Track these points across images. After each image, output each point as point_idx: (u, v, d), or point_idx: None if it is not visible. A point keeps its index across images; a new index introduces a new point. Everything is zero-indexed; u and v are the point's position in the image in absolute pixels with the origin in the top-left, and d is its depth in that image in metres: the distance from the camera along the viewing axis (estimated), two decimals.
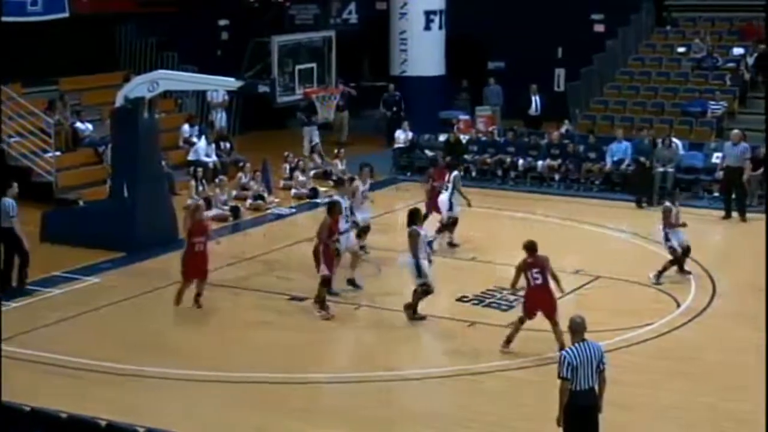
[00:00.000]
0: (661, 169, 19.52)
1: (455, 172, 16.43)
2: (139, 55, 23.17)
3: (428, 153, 21.95)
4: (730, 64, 23.48)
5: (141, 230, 15.98)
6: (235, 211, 18.56)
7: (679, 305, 13.61)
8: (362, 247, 14.97)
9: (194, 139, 21.47)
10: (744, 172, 18.20)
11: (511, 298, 13.73)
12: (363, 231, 15.09)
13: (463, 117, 23.62)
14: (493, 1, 26.31)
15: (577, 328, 8.70)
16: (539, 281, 11.55)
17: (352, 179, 15.67)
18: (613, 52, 24.75)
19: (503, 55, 27.06)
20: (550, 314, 11.51)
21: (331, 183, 20.36)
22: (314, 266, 13.36)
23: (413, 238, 12.67)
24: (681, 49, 24.35)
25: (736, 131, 19.30)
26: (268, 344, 12.56)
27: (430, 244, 14.74)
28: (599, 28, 26.12)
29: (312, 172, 21.02)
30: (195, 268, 13.20)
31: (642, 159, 19.57)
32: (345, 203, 14.21)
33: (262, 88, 16.12)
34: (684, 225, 14.50)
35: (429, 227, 13.67)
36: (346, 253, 14.21)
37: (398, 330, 13.07)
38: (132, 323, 13.12)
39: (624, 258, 15.95)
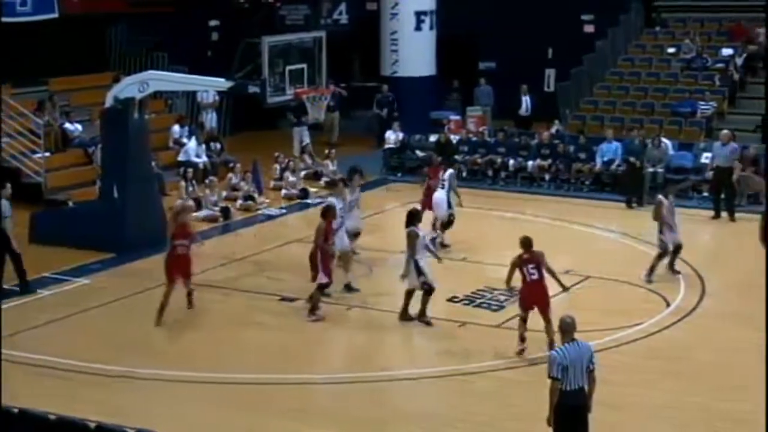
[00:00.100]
0: (651, 170, 19.57)
1: (450, 170, 16.48)
2: (129, 56, 23.13)
3: (419, 153, 21.98)
4: (720, 65, 23.56)
5: (131, 231, 15.94)
6: (226, 212, 18.54)
7: (668, 305, 13.65)
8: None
9: (184, 140, 21.44)
10: (733, 172, 18.27)
11: (502, 298, 13.79)
12: (353, 236, 15.08)
13: (454, 117, 23.65)
14: (483, 1, 26.35)
15: (567, 328, 8.72)
16: (535, 276, 11.58)
17: (343, 180, 15.65)
18: (602, 52, 24.81)
19: (494, 56, 27.10)
20: (544, 310, 11.54)
21: (324, 184, 20.45)
22: (308, 269, 13.33)
23: (412, 238, 12.67)
24: (670, 50, 24.42)
25: (725, 131, 19.36)
26: (259, 345, 12.55)
27: (433, 241, 14.95)
28: (589, 28, 26.17)
29: (302, 173, 21.01)
30: (178, 270, 13.00)
31: (632, 159, 19.63)
32: (339, 204, 14.21)
33: (253, 89, 16.10)
34: (660, 221, 14.52)
35: (422, 226, 13.62)
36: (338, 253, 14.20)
37: (389, 330, 13.07)
38: (122, 324, 13.09)
39: (614, 258, 15.99)
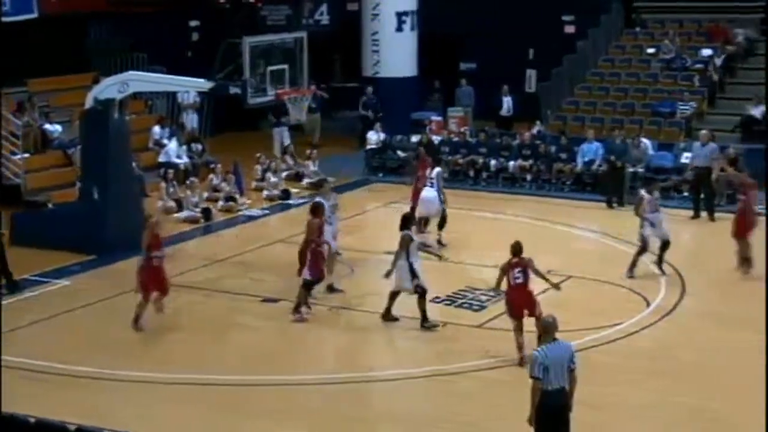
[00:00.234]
0: (631, 170, 19.67)
1: (437, 169, 16.54)
2: (109, 57, 23.00)
3: (401, 154, 22.02)
4: (699, 65, 23.70)
5: (111, 232, 15.87)
6: (207, 213, 18.49)
7: (649, 304, 13.72)
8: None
9: (165, 141, 21.35)
10: (712, 172, 18.38)
11: (483, 298, 13.83)
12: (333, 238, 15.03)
13: (436, 118, 23.68)
14: (464, 2, 26.40)
15: (549, 328, 8.75)
16: (519, 280, 11.60)
17: (324, 180, 15.65)
18: (583, 53, 24.91)
19: (475, 56, 27.15)
20: (531, 312, 11.54)
21: (306, 185, 20.42)
22: (290, 269, 13.30)
23: (406, 242, 12.65)
24: (650, 50, 24.55)
25: (704, 132, 19.49)
26: (242, 346, 12.52)
27: (439, 241, 15.24)
28: (570, 29, 26.27)
29: (284, 174, 20.98)
30: (155, 284, 12.66)
31: (612, 159, 19.72)
32: (327, 204, 14.21)
33: (234, 90, 16.06)
34: (641, 216, 14.62)
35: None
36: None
37: (371, 331, 13.07)
38: (102, 326, 13.02)
39: (595, 258, 16.06)
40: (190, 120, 23.18)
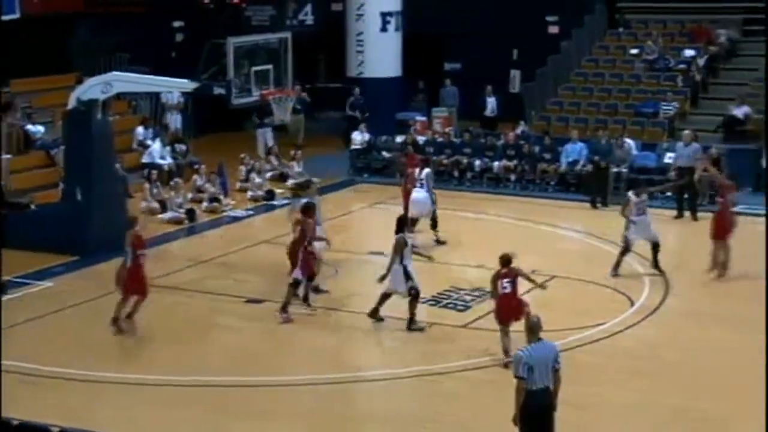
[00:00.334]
0: (615, 170, 19.75)
1: (427, 170, 16.60)
2: (92, 57, 22.89)
3: (386, 154, 22.03)
4: (682, 66, 23.82)
5: (94, 233, 15.80)
6: (191, 214, 18.43)
7: (633, 304, 13.77)
8: None
9: (149, 142, 21.28)
10: (695, 172, 18.47)
11: (468, 298, 13.85)
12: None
13: (420, 118, 23.70)
14: (449, 2, 26.43)
15: (534, 328, 8.78)
16: (507, 290, 11.65)
17: (310, 181, 15.64)
18: (567, 53, 24.99)
19: (459, 57, 27.20)
20: (519, 318, 11.55)
21: (291, 186, 20.36)
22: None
23: (400, 245, 12.65)
24: (633, 51, 24.65)
25: (687, 132, 19.59)
26: (227, 347, 12.49)
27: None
28: (553, 29, 26.35)
29: (268, 174, 20.95)
30: (138, 284, 12.48)
31: (596, 158, 19.78)
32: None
33: (218, 90, 16.03)
34: (627, 217, 14.72)
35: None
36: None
37: (356, 331, 13.07)
38: (85, 327, 12.96)
39: (579, 258, 16.11)
40: (174, 121, 23.11)
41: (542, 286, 12.21)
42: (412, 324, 12.68)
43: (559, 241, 17.26)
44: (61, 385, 11.08)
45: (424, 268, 14.80)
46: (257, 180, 20.39)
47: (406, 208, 16.09)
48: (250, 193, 20.07)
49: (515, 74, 26.42)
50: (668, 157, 19.80)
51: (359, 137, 22.50)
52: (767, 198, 16.75)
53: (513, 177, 20.87)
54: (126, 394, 10.97)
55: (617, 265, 14.74)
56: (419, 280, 12.73)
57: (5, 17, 19.41)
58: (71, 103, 16.12)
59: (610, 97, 23.72)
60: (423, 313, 13.13)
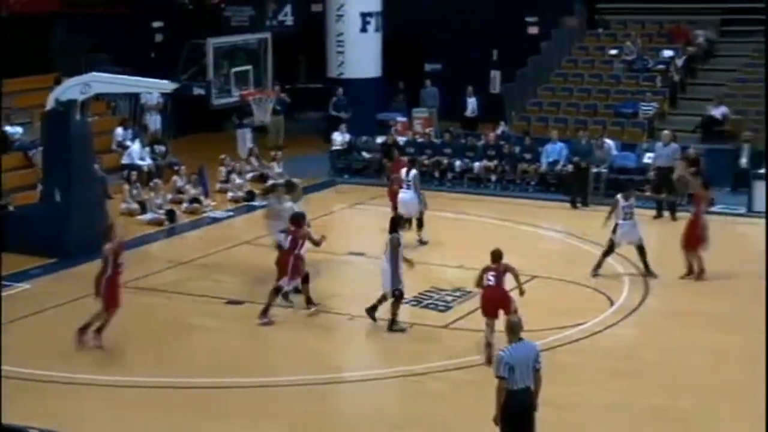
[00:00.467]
0: (595, 170, 19.83)
1: (414, 171, 16.65)
2: (71, 57, 22.75)
3: (366, 155, 22.03)
4: (660, 66, 23.95)
5: (73, 235, 15.70)
6: (171, 215, 18.36)
7: (612, 304, 13.82)
8: None
9: (128, 143, 21.18)
10: (674, 172, 18.57)
11: (449, 299, 13.86)
12: None
13: (401, 119, 23.71)
14: (429, 3, 26.45)
15: (514, 328, 8.79)
16: (491, 282, 11.71)
17: (291, 182, 15.61)
18: (547, 54, 25.07)
19: (439, 57, 27.24)
20: (506, 310, 11.56)
21: (269, 185, 20.30)
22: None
23: (395, 245, 12.62)
24: (613, 51, 24.77)
25: (666, 132, 19.71)
26: (207, 349, 12.43)
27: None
28: (533, 30, 26.44)
29: (249, 175, 20.89)
30: (116, 296, 12.05)
31: (576, 159, 19.85)
32: (296, 208, 14.17)
33: (198, 91, 15.98)
34: (607, 218, 14.80)
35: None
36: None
37: (337, 332, 13.06)
38: (64, 329, 12.84)
39: (559, 258, 16.16)
40: (154, 121, 23.01)
41: (521, 290, 12.17)
42: (393, 325, 12.69)
43: (539, 241, 17.31)
44: (40, 388, 11.00)
45: (405, 269, 14.82)
46: (238, 181, 20.34)
47: (394, 209, 16.11)
48: (230, 194, 20.02)
49: (495, 75, 26.49)
50: (647, 158, 19.90)
51: (340, 138, 22.48)
52: None
53: (493, 177, 20.92)
54: (106, 397, 10.91)
55: (598, 265, 14.80)
56: (405, 282, 12.70)
57: None
58: (50, 103, 16.02)
59: (590, 97, 23.82)
60: (404, 313, 13.14)
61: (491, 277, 11.69)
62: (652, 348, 12.42)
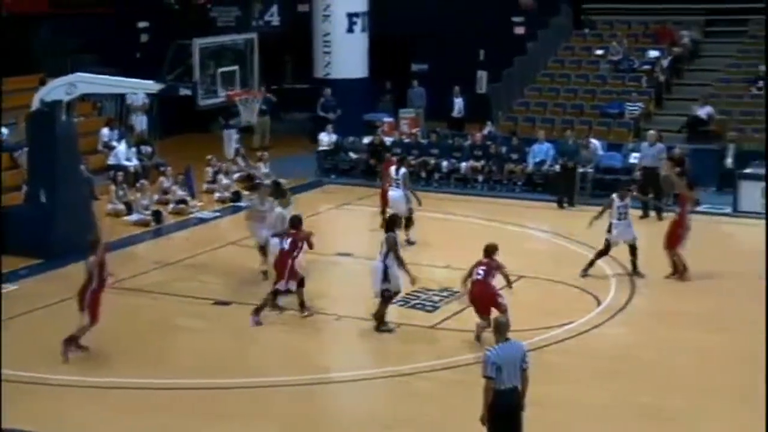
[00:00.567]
0: (581, 170, 19.89)
1: (403, 170, 16.66)
2: (56, 58, 22.65)
3: (353, 155, 22.03)
4: (646, 66, 24.05)
5: (59, 236, 15.63)
6: (157, 216, 18.31)
7: (599, 304, 13.86)
8: None
9: (114, 143, 21.11)
10: (660, 171, 18.63)
11: (436, 299, 13.87)
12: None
13: (387, 119, 23.73)
14: (415, 3, 26.47)
15: (501, 328, 8.81)
16: (480, 277, 11.82)
17: (277, 182, 15.60)
18: (533, 54, 25.13)
19: (426, 58, 27.27)
20: (498, 307, 11.64)
21: (254, 184, 20.26)
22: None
23: (390, 243, 12.60)
24: (599, 51, 24.86)
25: (651, 132, 19.78)
26: (194, 350, 12.41)
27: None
28: (519, 30, 26.49)
29: (235, 176, 20.86)
30: (98, 311, 11.80)
31: (562, 159, 19.90)
32: (286, 213, 14.14)
33: (184, 91, 15.94)
34: (592, 223, 14.88)
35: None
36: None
37: (325, 333, 13.06)
38: (50, 331, 12.78)
39: (546, 258, 16.20)
40: (140, 122, 22.95)
41: (509, 284, 12.28)
42: (381, 325, 12.68)
43: (526, 241, 17.35)
44: (28, 390, 10.94)
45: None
46: (224, 181, 20.31)
47: (383, 210, 16.13)
48: (217, 195, 19.99)
49: (482, 75, 26.53)
50: (633, 158, 19.97)
51: (326, 138, 22.47)
52: (767, 197, 16.89)
53: (480, 177, 20.95)
54: (93, 399, 10.87)
55: (589, 265, 14.79)
56: (397, 283, 12.69)
57: None
58: (35, 104, 15.96)
59: (576, 97, 23.89)
60: (392, 313, 13.14)
61: (480, 271, 11.79)
62: (640, 347, 12.46)
